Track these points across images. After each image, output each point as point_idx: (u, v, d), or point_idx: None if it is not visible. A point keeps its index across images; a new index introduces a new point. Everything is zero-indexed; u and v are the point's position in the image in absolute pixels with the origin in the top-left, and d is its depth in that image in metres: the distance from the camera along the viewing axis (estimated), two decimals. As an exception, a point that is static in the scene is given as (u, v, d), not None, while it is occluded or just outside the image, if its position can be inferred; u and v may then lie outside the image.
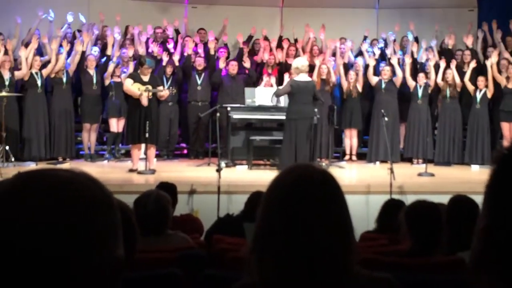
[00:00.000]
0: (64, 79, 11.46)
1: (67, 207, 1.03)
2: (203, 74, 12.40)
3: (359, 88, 12.37)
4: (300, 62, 10.37)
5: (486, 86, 11.84)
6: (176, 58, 12.37)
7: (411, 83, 12.13)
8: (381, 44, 13.68)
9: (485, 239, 1.26)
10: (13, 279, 1.00)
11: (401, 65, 12.58)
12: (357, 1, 14.95)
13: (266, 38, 13.79)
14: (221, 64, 12.40)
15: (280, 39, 13.84)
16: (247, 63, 12.71)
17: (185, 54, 12.52)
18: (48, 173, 1.08)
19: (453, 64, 12.15)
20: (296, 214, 1.58)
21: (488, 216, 1.27)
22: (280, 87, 10.63)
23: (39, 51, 11.85)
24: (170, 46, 12.76)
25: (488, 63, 11.93)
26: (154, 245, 3.96)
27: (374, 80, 12.29)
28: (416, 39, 13.57)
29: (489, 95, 11.85)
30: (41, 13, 12.32)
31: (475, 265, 1.29)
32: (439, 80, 12.10)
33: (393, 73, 12.28)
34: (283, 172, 1.69)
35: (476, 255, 1.30)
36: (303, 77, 10.20)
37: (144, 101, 9.97)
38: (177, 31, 13.79)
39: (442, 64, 12.14)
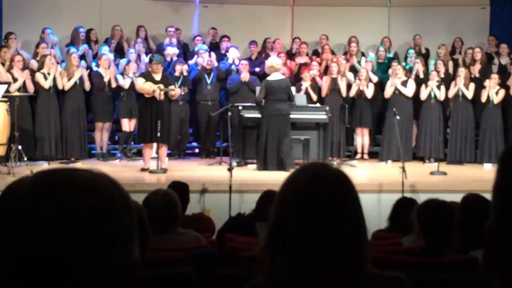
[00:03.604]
0: (78, 80, 11.48)
1: (87, 209, 1.03)
2: (212, 74, 12.41)
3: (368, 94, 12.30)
4: (275, 61, 10.75)
5: (499, 85, 11.76)
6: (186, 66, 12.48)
7: (424, 95, 12.02)
8: (391, 54, 13.63)
9: (491, 239, 1.26)
10: (31, 280, 1.00)
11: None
12: (368, 0, 14.90)
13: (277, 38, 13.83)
14: (243, 76, 12.41)
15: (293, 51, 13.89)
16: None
17: (198, 68, 12.50)
18: (69, 174, 1.08)
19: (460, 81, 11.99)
20: (310, 213, 1.57)
21: (494, 215, 1.27)
22: (259, 94, 10.74)
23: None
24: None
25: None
26: (166, 243, 3.97)
27: (390, 92, 12.17)
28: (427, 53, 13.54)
29: (501, 96, 11.73)
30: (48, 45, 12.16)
31: (485, 264, 1.30)
32: (450, 95, 12.00)
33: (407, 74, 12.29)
34: (297, 171, 1.68)
35: (485, 255, 1.30)
36: (277, 76, 10.49)
37: (158, 95, 9.99)
38: (185, 46, 13.81)
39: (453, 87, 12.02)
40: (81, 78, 11.50)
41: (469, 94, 11.85)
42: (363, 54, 13.59)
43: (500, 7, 14.49)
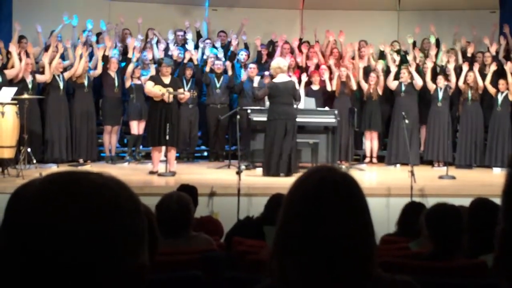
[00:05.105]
0: (86, 83, 11.54)
1: (96, 212, 1.04)
2: (222, 77, 12.42)
3: (380, 91, 12.32)
4: (282, 62, 10.48)
5: (508, 89, 11.75)
6: (195, 58, 12.51)
7: (431, 86, 12.06)
8: (399, 47, 13.63)
9: (502, 243, 1.26)
10: (38, 281, 1.01)
11: (421, 68, 12.56)
12: (378, 3, 14.87)
13: (286, 42, 13.77)
14: (243, 76, 12.40)
15: (301, 42, 13.90)
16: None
17: (204, 57, 12.57)
18: (78, 177, 1.08)
19: (476, 67, 12.05)
20: (317, 216, 1.57)
21: (504, 219, 1.26)
22: (261, 90, 10.63)
23: (61, 55, 11.95)
24: (191, 47, 12.81)
25: (507, 67, 11.84)
26: (179, 247, 3.97)
27: (393, 85, 12.24)
28: (438, 42, 13.48)
29: (510, 97, 11.76)
30: (65, 17, 12.37)
31: (494, 269, 1.29)
32: (460, 83, 12.02)
33: (412, 77, 12.25)
34: (304, 175, 1.68)
35: (495, 259, 1.29)
36: (283, 78, 10.23)
37: (167, 98, 9.99)
38: (198, 34, 13.83)
39: (465, 67, 12.06)
40: (90, 80, 11.58)
41: (481, 82, 11.91)
42: (382, 57, 13.54)
43: (509, 11, 14.43)
